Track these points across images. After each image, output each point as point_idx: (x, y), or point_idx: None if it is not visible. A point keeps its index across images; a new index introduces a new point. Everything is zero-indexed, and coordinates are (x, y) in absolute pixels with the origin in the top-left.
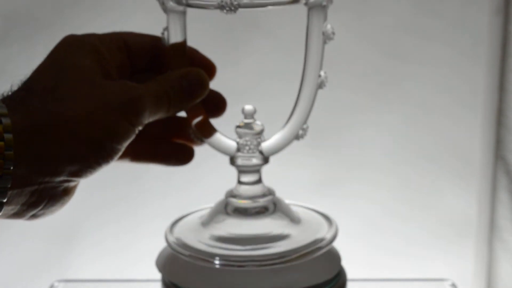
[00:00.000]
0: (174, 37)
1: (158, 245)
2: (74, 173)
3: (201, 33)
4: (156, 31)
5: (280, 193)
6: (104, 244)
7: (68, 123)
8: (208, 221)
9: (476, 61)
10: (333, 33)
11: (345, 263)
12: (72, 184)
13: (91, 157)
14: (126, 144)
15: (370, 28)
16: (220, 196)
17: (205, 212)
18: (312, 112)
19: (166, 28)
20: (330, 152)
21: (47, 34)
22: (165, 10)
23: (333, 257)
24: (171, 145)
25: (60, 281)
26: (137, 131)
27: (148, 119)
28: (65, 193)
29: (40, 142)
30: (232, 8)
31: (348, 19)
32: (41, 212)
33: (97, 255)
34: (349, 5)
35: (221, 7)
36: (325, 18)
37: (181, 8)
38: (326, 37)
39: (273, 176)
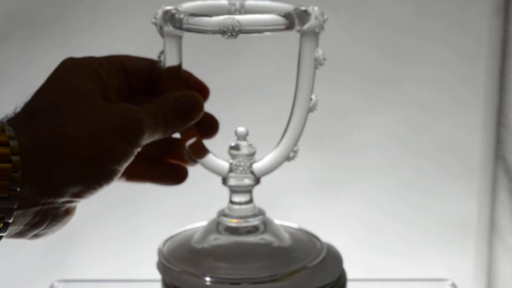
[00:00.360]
0: (170, 61)
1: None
2: (76, 194)
3: (196, 39)
4: (155, 33)
5: (280, 195)
6: (104, 244)
7: (71, 145)
8: (200, 239)
9: (476, 61)
10: (324, 59)
11: (345, 264)
12: (73, 204)
13: (93, 179)
14: (125, 165)
15: (369, 28)
16: (220, 199)
17: (198, 230)
18: (313, 113)
19: (163, 52)
20: (330, 153)
21: (47, 35)
22: (162, 34)
23: (335, 260)
24: (165, 165)
25: (60, 281)
26: (136, 153)
27: (147, 140)
28: (67, 213)
29: (44, 164)
30: (234, 34)
31: (348, 20)
32: (43, 232)
33: (97, 256)
34: (348, 6)
35: (222, 32)
36: (317, 44)
37: (178, 32)
38: (318, 63)
39: (273, 177)
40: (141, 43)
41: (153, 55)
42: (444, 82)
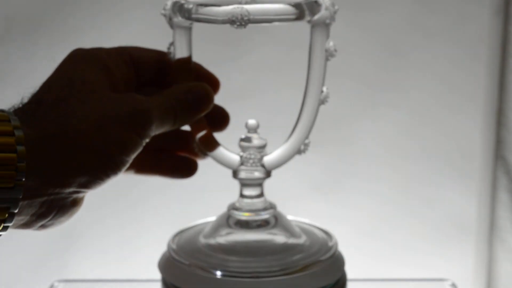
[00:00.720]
0: (180, 53)
1: (159, 245)
2: (83, 184)
3: (203, 30)
4: (155, 30)
5: (278, 198)
6: (104, 244)
7: (78, 135)
8: (211, 233)
9: (476, 61)
10: (336, 50)
11: (346, 263)
12: (80, 195)
13: (100, 169)
14: (133, 156)
15: (368, 29)
16: (222, 202)
17: (208, 224)
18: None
19: (172, 43)
20: (331, 151)
21: (47, 34)
22: (172, 25)
23: (337, 262)
24: (174, 158)
25: (60, 281)
26: (144, 143)
27: (155, 131)
28: (74, 204)
29: (50, 154)
30: (243, 23)
31: (349, 18)
32: (50, 222)
33: (97, 256)
34: (349, 4)
35: (231, 22)
36: (327, 36)
37: (188, 23)
38: (329, 54)
39: (272, 180)
40: (142, 43)
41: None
42: (444, 82)
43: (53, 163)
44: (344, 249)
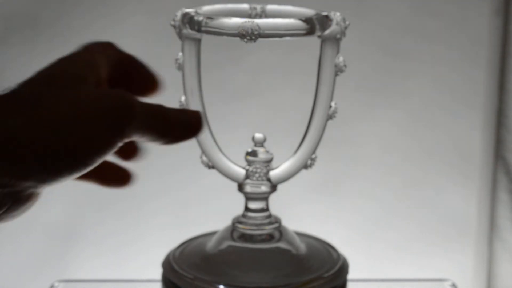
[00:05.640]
0: (189, 64)
1: (159, 246)
2: (42, 179)
3: None
4: (155, 31)
5: (279, 196)
6: (104, 245)
7: (43, 129)
8: (215, 246)
9: (476, 61)
10: (345, 66)
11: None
12: (37, 190)
13: (62, 166)
14: (103, 157)
15: (370, 28)
16: (223, 204)
17: (211, 236)
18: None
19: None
20: (331, 151)
21: (47, 35)
22: (181, 37)
23: (341, 277)
24: (110, 166)
25: (60, 281)
26: (118, 145)
27: (135, 133)
28: (29, 198)
29: (12, 146)
30: (253, 38)
31: (349, 19)
32: (1, 216)
33: (98, 256)
34: (348, 6)
35: (241, 35)
36: (338, 51)
37: (197, 35)
38: (338, 69)
39: None
40: (141, 42)
41: (152, 53)
42: (444, 82)
43: (14, 154)
44: (344, 249)
